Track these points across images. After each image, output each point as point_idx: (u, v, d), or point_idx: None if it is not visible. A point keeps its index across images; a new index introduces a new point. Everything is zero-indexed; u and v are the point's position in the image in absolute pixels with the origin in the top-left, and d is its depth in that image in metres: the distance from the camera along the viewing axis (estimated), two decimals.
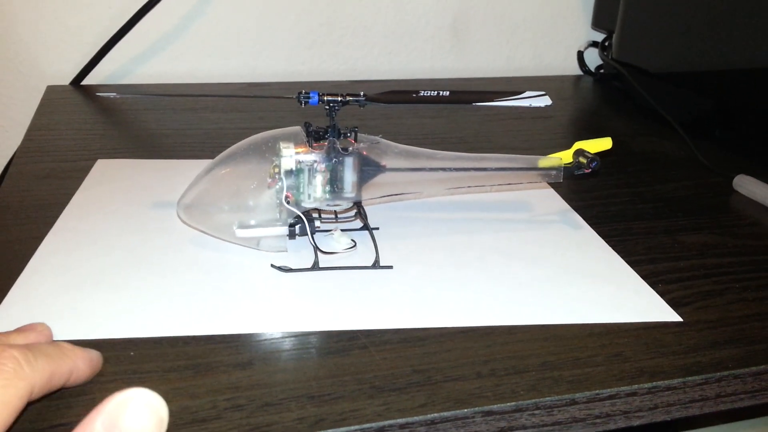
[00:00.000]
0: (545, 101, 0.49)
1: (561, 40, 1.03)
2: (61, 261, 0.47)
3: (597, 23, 0.97)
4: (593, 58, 1.02)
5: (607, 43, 0.96)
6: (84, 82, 0.86)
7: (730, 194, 0.64)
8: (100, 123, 0.75)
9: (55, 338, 0.38)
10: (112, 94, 0.63)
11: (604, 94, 0.96)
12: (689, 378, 0.39)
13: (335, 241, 0.51)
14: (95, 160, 0.64)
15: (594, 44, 1.00)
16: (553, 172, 0.52)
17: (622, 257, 0.51)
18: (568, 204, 0.60)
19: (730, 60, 0.74)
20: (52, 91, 0.83)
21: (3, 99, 0.85)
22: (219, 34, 0.90)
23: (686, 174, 0.68)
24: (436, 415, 0.35)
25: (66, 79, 0.86)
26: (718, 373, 0.39)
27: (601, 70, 1.01)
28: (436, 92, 0.48)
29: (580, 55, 1.01)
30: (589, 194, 0.62)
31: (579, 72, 1.03)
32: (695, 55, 0.78)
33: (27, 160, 0.63)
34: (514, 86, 0.95)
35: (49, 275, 0.45)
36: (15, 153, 0.68)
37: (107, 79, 0.88)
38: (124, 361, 0.38)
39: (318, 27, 0.93)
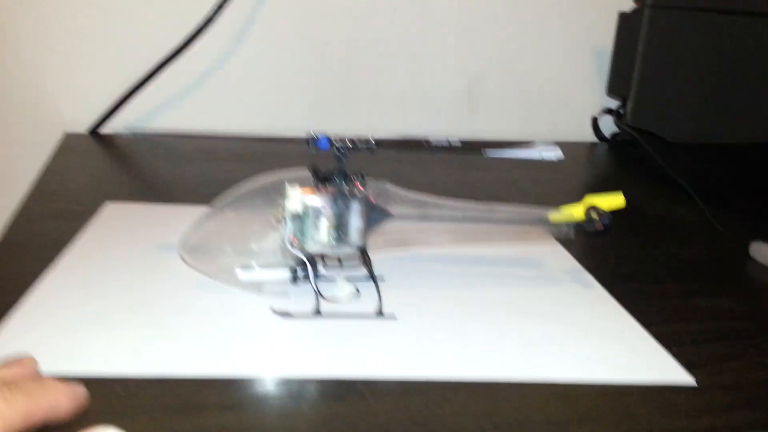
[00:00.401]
0: (557, 154, 0.48)
1: (575, 107, 1.03)
2: (58, 298, 0.46)
3: (612, 90, 0.98)
4: (608, 126, 1.02)
5: (621, 110, 0.97)
6: (101, 131, 0.87)
7: (746, 261, 0.63)
8: (114, 169, 0.75)
9: (44, 373, 0.37)
10: (124, 132, 0.62)
11: (618, 160, 0.96)
12: None
13: (338, 288, 0.50)
14: (105, 203, 0.63)
15: (608, 111, 1.00)
16: (564, 228, 0.51)
17: (635, 318, 0.50)
18: (580, 263, 0.58)
19: (745, 127, 0.74)
20: (69, 138, 0.84)
21: (21, 144, 0.87)
22: (235, 92, 0.91)
23: (701, 239, 0.67)
24: None
25: (84, 127, 0.87)
26: None
27: (617, 137, 1.01)
28: (447, 141, 0.48)
29: (595, 122, 1.01)
30: (602, 254, 0.61)
31: (594, 139, 1.03)
32: (710, 122, 0.78)
33: (37, 200, 0.63)
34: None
35: (45, 311, 0.44)
36: (27, 193, 0.68)
37: (124, 130, 0.89)
38: (111, 398, 0.36)
39: (333, 89, 0.94)
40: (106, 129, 0.87)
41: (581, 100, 1.03)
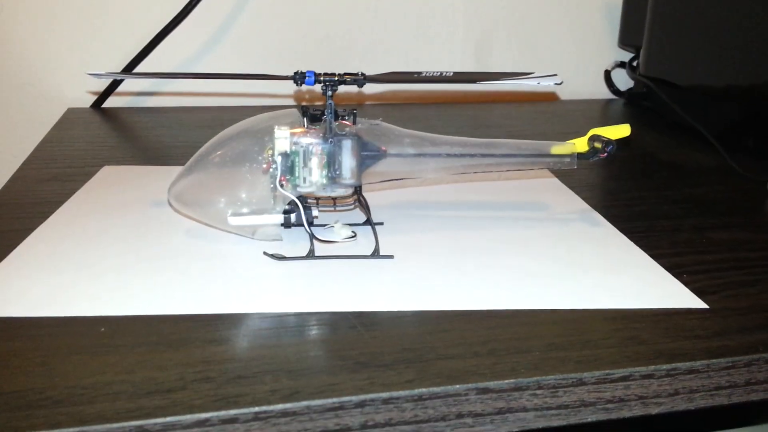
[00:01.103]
0: (555, 80, 0.46)
1: (587, 64, 1.00)
2: (48, 248, 0.45)
3: (624, 41, 0.95)
4: (621, 81, 0.99)
5: (635, 63, 0.94)
6: (103, 106, 0.86)
7: (764, 198, 0.60)
8: (113, 136, 0.74)
9: (26, 316, 0.37)
10: (101, 73, 0.58)
11: (634, 114, 0.93)
12: (714, 360, 0.35)
13: (335, 232, 0.48)
14: (102, 167, 0.63)
15: (621, 64, 0.97)
16: (567, 159, 0.49)
17: (645, 251, 0.48)
18: (588, 205, 0.56)
19: (760, 69, 0.71)
20: (71, 112, 0.83)
21: (24, 123, 0.86)
22: (235, 62, 0.90)
23: (718, 179, 0.64)
24: (424, 390, 0.32)
25: (86, 103, 0.86)
26: (748, 356, 0.35)
27: (630, 89, 0.97)
28: (439, 73, 0.46)
29: (608, 75, 0.98)
30: (611, 196, 0.59)
31: (607, 94, 1.00)
32: (724, 66, 0.75)
33: (34, 166, 0.62)
34: (539, 112, 0.92)
35: (33, 260, 0.43)
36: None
37: (127, 104, 0.88)
38: (92, 336, 0.35)
39: (336, 51, 0.92)
40: (109, 104, 0.87)
41: (593, 55, 1.00)
